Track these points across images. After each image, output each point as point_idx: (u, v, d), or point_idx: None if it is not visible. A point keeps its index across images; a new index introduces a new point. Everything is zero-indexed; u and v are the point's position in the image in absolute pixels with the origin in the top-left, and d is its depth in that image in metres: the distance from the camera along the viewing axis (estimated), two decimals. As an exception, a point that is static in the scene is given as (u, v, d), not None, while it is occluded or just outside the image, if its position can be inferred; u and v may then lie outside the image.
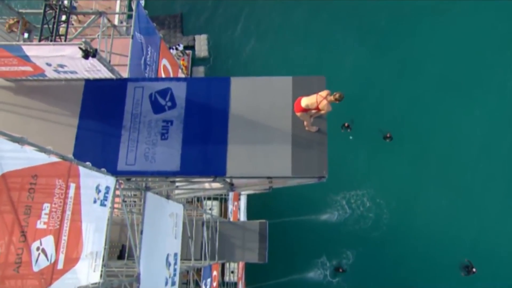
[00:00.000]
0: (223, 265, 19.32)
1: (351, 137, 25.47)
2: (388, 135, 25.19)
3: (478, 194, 24.67)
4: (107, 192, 6.94)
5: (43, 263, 5.18)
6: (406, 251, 23.86)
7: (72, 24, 10.86)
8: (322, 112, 7.47)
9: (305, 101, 7.41)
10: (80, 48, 6.83)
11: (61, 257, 5.55)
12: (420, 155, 25.20)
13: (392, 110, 25.89)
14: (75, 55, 6.95)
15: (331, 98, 7.25)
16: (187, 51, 27.26)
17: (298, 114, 7.57)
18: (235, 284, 20.62)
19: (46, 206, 5.26)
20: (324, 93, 7.34)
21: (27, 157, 4.91)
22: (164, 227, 9.99)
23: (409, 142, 25.47)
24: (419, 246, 23.85)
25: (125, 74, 8.97)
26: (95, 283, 6.59)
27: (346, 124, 25.18)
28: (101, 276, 6.71)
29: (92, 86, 8.26)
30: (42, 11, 8.60)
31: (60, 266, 5.54)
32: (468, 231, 24.12)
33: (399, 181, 25.01)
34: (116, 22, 12.45)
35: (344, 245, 24.57)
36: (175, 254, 10.55)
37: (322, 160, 7.56)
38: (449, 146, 25.27)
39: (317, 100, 7.28)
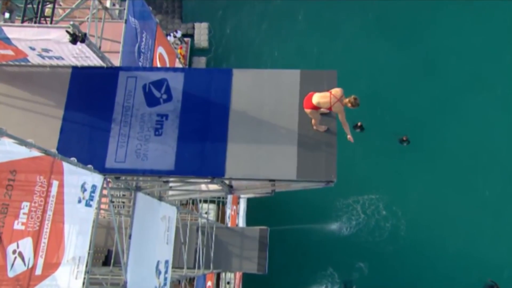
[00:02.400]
0: (218, 275, 19.28)
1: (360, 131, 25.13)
2: (404, 138, 25.02)
3: (506, 207, 24.35)
4: (93, 191, 6.95)
5: (19, 268, 5.14)
6: (424, 269, 23.52)
7: (59, 5, 10.81)
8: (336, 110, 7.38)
9: (316, 98, 7.37)
10: (68, 32, 6.78)
11: (40, 261, 5.52)
12: (441, 161, 24.87)
13: (410, 110, 25.64)
14: (61, 40, 6.91)
15: (346, 101, 7.24)
16: (186, 39, 27.24)
17: (308, 111, 7.53)
18: (231, 296, 20.59)
19: (25, 205, 5.23)
20: (338, 93, 7.30)
21: (6, 150, 4.88)
22: (155, 232, 9.98)
23: (428, 147, 25.21)
24: (439, 263, 23.52)
25: (116, 62, 9.01)
26: (77, 292, 6.56)
27: (359, 124, 24.99)
28: (83, 284, 6.68)
29: (79, 74, 8.21)
30: (26, -11, 8.58)
31: (38, 271, 5.51)
32: (494, 247, 23.66)
33: (418, 189, 24.65)
34: (108, 4, 12.39)
35: (355, 257, 24.27)
36: (166, 262, 10.52)
37: (330, 163, 7.51)
38: (475, 152, 24.88)
39: (330, 100, 7.26)
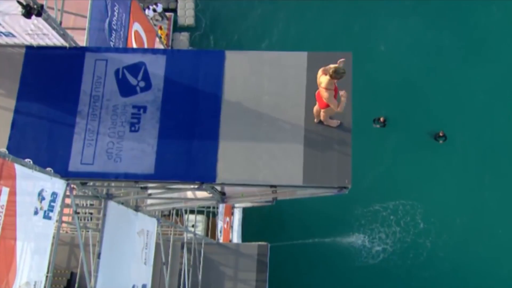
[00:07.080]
0: (208, 301, 19.35)
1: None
2: (441, 134, 24.99)
3: None
4: (53, 200, 6.93)
5: (-41, 296, 5.10)
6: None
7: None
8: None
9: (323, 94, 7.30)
10: (20, 3, 6.69)
11: (-15, 288, 5.49)
12: (485, 160, 24.47)
13: (448, 101, 25.44)
14: (12, 12, 6.81)
15: (326, 78, 6.93)
16: (168, 14, 27.17)
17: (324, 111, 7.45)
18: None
19: (-33, 218, 5.17)
20: (317, 75, 7.15)
21: None
22: (130, 249, 10.02)
23: (469, 144, 24.93)
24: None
25: (82, 41, 8.95)
26: (33, 324, 6.51)
27: (381, 119, 24.80)
28: (40, 314, 6.64)
29: (36, 56, 8.18)
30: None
31: (-17, 300, 5.46)
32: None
33: (457, 195, 24.13)
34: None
35: (379, 281, 23.87)
36: (144, 286, 10.58)
37: (344, 165, 7.54)
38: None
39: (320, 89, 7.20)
